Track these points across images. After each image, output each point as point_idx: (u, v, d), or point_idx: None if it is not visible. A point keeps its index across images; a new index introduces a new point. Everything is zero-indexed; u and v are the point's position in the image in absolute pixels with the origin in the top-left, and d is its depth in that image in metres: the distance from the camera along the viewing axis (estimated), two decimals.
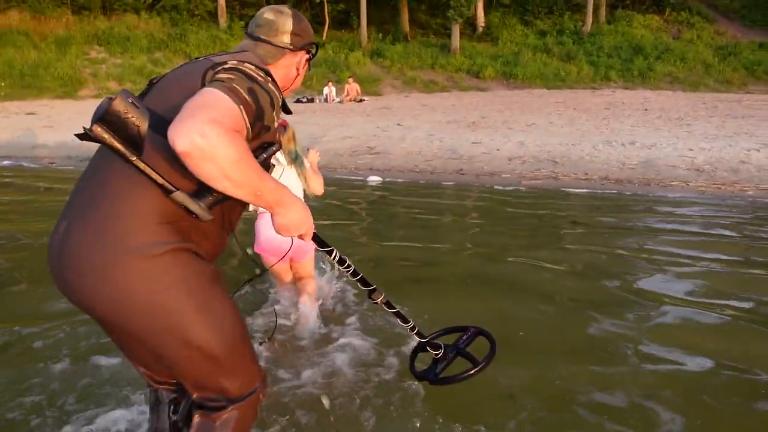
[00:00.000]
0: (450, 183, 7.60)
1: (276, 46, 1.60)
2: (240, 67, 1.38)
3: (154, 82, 1.52)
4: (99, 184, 1.35)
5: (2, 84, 18.13)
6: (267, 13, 1.63)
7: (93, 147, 1.29)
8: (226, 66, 1.38)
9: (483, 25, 26.18)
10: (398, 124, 12.48)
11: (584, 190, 7.03)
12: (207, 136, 1.13)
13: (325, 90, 18.45)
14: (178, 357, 1.39)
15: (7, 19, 22.17)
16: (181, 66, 1.55)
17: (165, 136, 1.17)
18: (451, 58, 22.79)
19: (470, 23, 25.82)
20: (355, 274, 1.78)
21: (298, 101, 18.19)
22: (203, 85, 1.33)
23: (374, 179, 7.67)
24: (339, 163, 8.80)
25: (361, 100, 17.98)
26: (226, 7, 25.09)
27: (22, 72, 18.95)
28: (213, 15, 25.70)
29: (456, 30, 23.08)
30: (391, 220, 5.59)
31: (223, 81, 1.30)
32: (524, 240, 4.73)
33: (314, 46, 1.71)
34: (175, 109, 1.20)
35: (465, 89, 21.14)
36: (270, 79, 1.42)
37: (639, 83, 20.59)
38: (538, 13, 26.64)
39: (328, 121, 13.33)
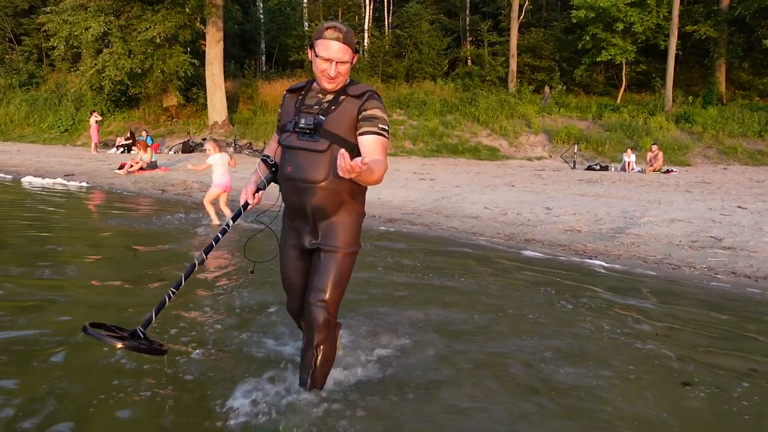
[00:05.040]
0: None
1: None
2: None
3: None
4: None
5: None
6: None
7: None
8: None
9: None
10: (740, 207, 9.56)
11: None
12: None
13: (624, 157, 16.03)
14: None
15: None
16: None
17: None
18: None
19: None
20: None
21: (590, 168, 16.21)
22: None
23: None
24: (680, 257, 6.61)
25: (668, 171, 15.06)
26: (517, 72, 24.74)
27: None
28: (503, 80, 25.64)
29: None
30: None
31: None
32: None
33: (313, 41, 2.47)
34: None
35: None
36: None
37: None
38: None
39: (639, 195, 11.07)
